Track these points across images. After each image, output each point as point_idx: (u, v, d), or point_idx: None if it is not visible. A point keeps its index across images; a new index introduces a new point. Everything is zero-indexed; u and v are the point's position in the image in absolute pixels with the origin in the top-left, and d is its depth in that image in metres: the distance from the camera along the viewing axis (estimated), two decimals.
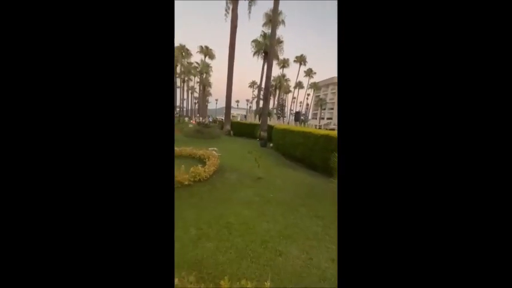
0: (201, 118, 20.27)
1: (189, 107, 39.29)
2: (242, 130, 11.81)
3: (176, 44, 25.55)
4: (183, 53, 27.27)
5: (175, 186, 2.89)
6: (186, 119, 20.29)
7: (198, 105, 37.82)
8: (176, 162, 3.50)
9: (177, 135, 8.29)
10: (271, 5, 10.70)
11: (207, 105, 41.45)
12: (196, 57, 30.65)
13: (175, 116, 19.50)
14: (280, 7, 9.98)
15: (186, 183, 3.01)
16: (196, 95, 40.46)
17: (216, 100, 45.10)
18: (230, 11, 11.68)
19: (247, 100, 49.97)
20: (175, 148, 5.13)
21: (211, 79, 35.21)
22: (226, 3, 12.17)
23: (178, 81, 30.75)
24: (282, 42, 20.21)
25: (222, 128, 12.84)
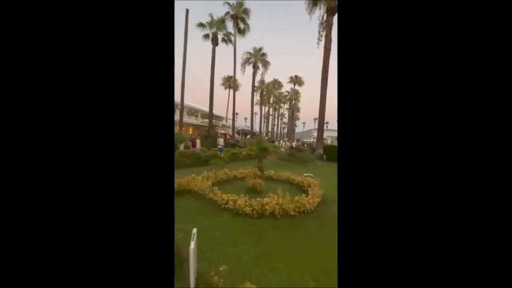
0: (292, 142, 20.92)
1: (279, 131, 42.73)
2: (336, 154, 10.42)
3: (270, 78, 29.94)
4: (276, 86, 31.28)
5: (280, 214, 2.84)
6: (277, 142, 21.93)
7: (287, 129, 40.05)
8: (276, 187, 3.56)
9: (272, 159, 8.93)
10: None
11: (294, 129, 42.92)
12: (287, 87, 33.83)
13: (268, 139, 21.78)
14: None
15: (292, 213, 2.87)
16: (285, 120, 43.58)
17: (304, 123, 45.47)
18: (323, 38, 11.89)
19: None
20: (272, 171, 5.40)
21: (299, 104, 36.61)
22: (319, 32, 12.61)
23: (270, 110, 35.08)
24: None
25: (313, 151, 12.23)
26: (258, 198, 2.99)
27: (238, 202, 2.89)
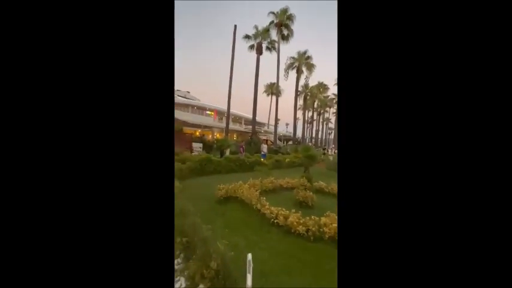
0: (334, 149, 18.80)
1: (324, 137, 39.61)
2: None
3: (315, 82, 28.36)
4: (321, 89, 29.34)
5: None
6: (327, 150, 20.16)
7: (334, 135, 36.61)
8: (330, 202, 2.98)
9: (321, 168, 8.05)
10: None
11: None
12: (334, 89, 31.12)
13: (313, 146, 20.33)
14: None
15: None
16: (330, 125, 40.10)
17: None
18: None
19: None
20: (322, 183, 4.72)
21: None
22: None
23: (314, 115, 33.09)
24: None
25: None
26: (313, 217, 2.53)
27: (290, 219, 2.51)
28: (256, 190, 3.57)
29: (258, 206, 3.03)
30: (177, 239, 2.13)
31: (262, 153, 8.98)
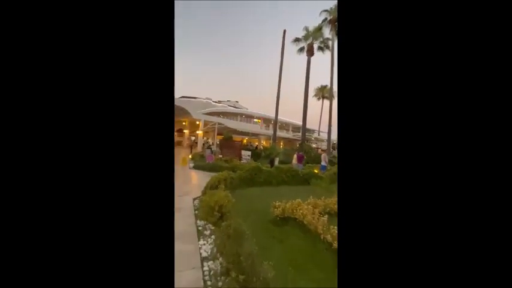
0: None
1: None
2: None
3: None
4: None
5: None
6: None
7: None
8: None
9: None
10: None
11: None
12: None
13: None
14: None
15: None
16: None
17: None
18: None
19: None
20: None
21: None
22: None
23: None
24: None
25: None
26: None
27: None
28: (322, 215, 2.80)
29: (329, 237, 2.26)
30: (232, 274, 1.72)
31: (323, 164, 7.61)
